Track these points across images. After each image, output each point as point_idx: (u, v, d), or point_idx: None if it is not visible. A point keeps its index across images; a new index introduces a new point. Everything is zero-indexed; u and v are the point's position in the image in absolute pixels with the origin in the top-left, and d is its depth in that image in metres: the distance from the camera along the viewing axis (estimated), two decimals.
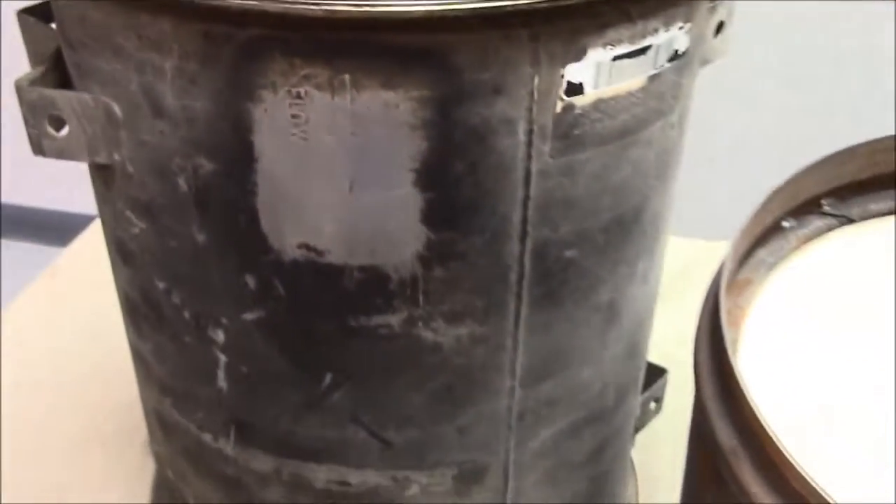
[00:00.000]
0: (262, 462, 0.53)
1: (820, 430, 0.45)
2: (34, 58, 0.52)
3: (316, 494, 0.53)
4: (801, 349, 0.49)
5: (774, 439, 0.40)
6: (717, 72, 0.59)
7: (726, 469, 0.43)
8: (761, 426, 0.41)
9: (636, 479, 0.75)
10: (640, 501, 0.74)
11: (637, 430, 0.72)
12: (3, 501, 0.74)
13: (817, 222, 0.55)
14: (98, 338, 0.87)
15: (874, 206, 0.55)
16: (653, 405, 0.74)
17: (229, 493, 0.56)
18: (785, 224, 0.54)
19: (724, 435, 0.44)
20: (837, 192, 0.55)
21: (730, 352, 0.43)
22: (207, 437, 0.54)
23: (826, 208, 0.55)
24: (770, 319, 0.50)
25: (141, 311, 0.53)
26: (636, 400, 0.63)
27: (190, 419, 0.55)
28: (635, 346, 0.57)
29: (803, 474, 0.39)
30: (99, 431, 0.80)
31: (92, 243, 1.04)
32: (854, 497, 0.41)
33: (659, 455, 0.77)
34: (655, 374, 0.73)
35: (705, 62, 0.55)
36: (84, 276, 0.98)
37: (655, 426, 0.74)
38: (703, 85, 0.55)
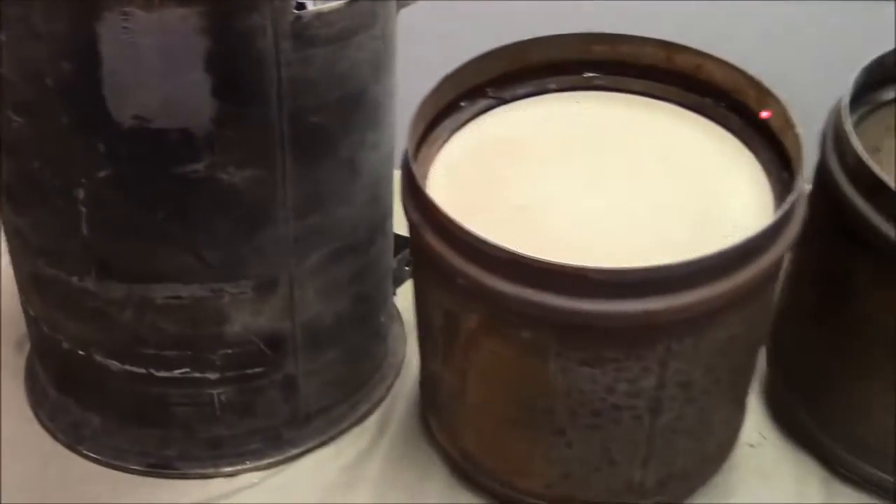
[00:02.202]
0: (117, 290, 0.76)
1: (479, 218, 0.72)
2: None
3: (158, 310, 0.77)
4: (470, 173, 0.76)
5: (438, 206, 0.67)
6: None
7: (419, 238, 0.70)
8: (433, 204, 0.68)
9: (402, 323, 1.01)
10: (407, 338, 1.00)
11: (396, 283, 0.98)
12: None
13: (484, 102, 0.82)
14: None
15: (520, 91, 0.84)
16: (406, 267, 1.01)
17: (95, 323, 0.78)
18: (462, 104, 0.82)
19: (415, 217, 0.70)
20: (496, 82, 0.83)
21: (416, 173, 0.70)
22: (75, 280, 0.76)
23: (489, 92, 0.83)
24: (451, 158, 0.78)
25: (20, 191, 0.75)
26: (385, 245, 0.89)
27: (61, 269, 0.77)
28: (377, 197, 0.83)
29: (455, 220, 0.66)
30: None
31: None
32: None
33: None
34: (406, 243, 1.00)
35: (403, 3, 0.82)
36: None
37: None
38: None
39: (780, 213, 0.65)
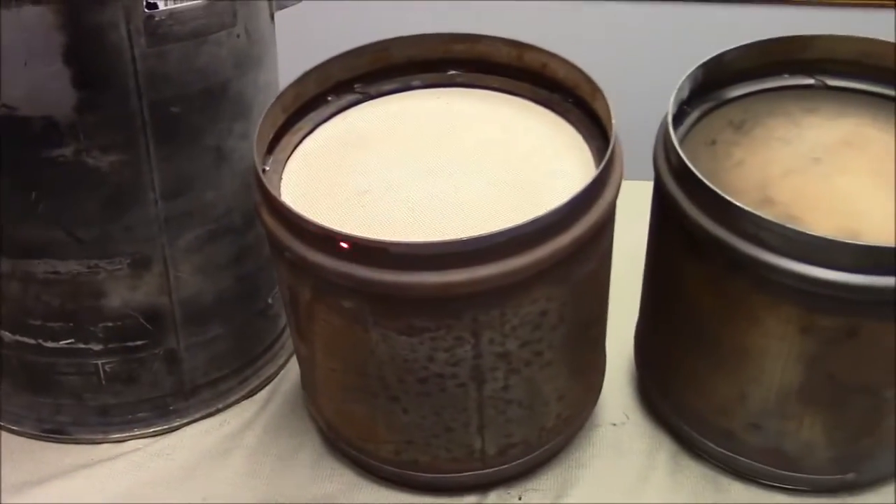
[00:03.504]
0: (3, 265, 0.83)
1: (323, 200, 0.78)
2: None
3: (40, 283, 0.84)
4: (325, 161, 0.82)
5: (267, 186, 0.73)
6: None
7: (259, 217, 0.77)
8: (263, 184, 0.74)
9: None
10: None
11: None
12: None
13: (351, 97, 0.89)
14: None
15: (386, 87, 0.90)
16: None
17: None
18: (329, 98, 0.88)
19: (257, 198, 0.77)
20: (364, 78, 0.89)
21: (257, 158, 0.77)
22: None
23: (357, 88, 0.89)
24: (311, 147, 0.84)
25: None
26: None
27: None
28: (250, 184, 0.89)
29: (280, 199, 0.72)
30: None
31: None
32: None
33: None
34: None
35: (281, 6, 0.89)
36: None
37: None
38: None
39: (572, 196, 0.70)
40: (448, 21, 0.91)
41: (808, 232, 0.70)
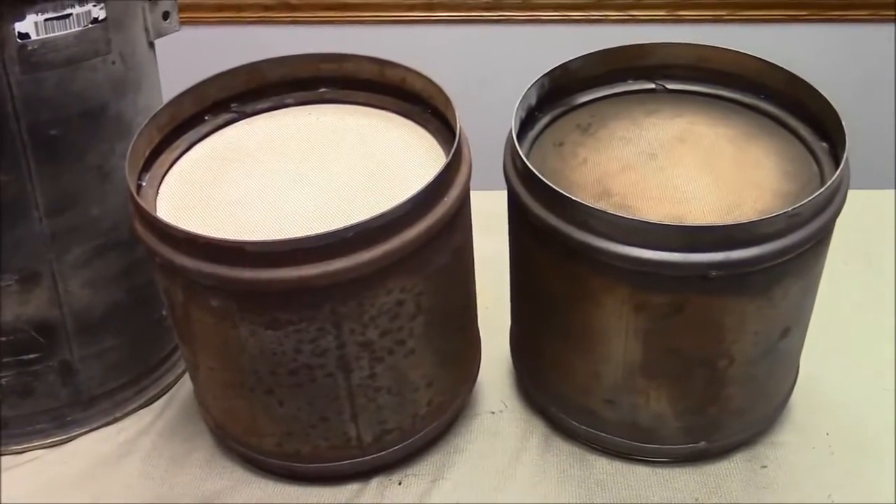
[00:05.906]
0: None
1: (196, 210, 0.84)
2: None
3: None
4: (199, 175, 0.88)
5: (136, 196, 0.79)
6: None
7: (133, 228, 0.82)
8: (132, 194, 0.80)
9: None
10: None
11: None
12: None
13: (227, 116, 0.95)
14: None
15: (261, 105, 0.96)
16: None
17: None
18: (206, 117, 0.94)
19: (130, 208, 0.83)
20: (240, 98, 0.95)
21: (129, 172, 0.82)
22: None
23: (233, 107, 0.96)
24: (188, 163, 0.90)
25: None
26: None
27: None
28: None
29: (145, 208, 0.78)
30: None
31: None
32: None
33: None
34: None
35: (160, 34, 0.95)
36: None
37: None
38: None
39: (413, 194, 0.76)
40: (317, 43, 0.98)
41: (629, 217, 0.78)
